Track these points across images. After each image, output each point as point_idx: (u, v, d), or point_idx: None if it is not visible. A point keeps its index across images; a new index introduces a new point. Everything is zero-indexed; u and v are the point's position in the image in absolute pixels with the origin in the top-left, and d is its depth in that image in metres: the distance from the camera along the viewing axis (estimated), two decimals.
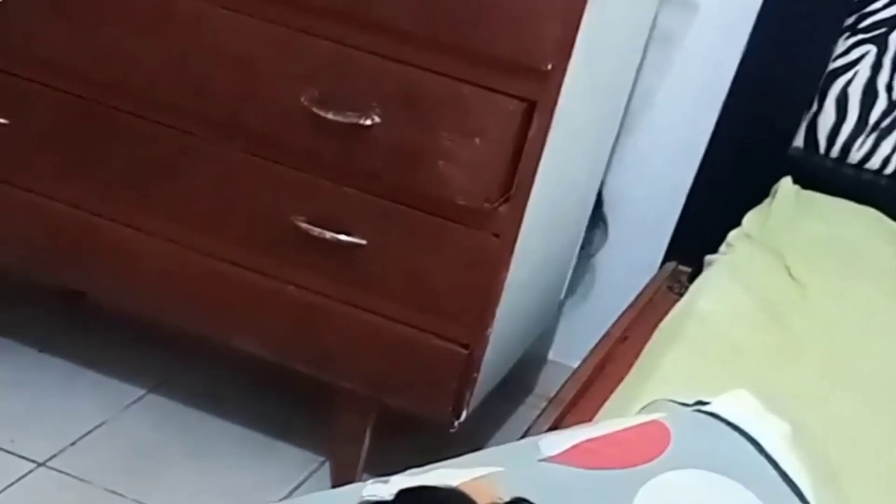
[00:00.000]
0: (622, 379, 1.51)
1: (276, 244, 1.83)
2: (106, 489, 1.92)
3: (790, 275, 1.74)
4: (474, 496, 0.88)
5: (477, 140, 1.67)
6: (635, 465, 1.02)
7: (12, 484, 1.89)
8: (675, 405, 1.14)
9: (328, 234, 1.78)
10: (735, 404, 1.12)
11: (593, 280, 2.33)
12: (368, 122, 1.70)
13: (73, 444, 2.00)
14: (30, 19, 1.84)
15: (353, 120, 1.71)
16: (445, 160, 1.69)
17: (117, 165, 1.89)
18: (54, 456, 1.96)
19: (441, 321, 1.78)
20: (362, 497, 0.98)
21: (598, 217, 2.24)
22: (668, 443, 1.04)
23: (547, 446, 1.06)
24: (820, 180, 1.99)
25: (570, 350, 2.14)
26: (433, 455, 1.09)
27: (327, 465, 2.05)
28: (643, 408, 1.20)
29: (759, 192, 1.99)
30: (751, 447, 1.06)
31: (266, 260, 1.85)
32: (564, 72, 1.66)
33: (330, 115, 1.71)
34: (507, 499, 0.74)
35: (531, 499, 0.81)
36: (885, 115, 1.99)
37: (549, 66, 1.63)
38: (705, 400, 1.14)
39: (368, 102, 1.70)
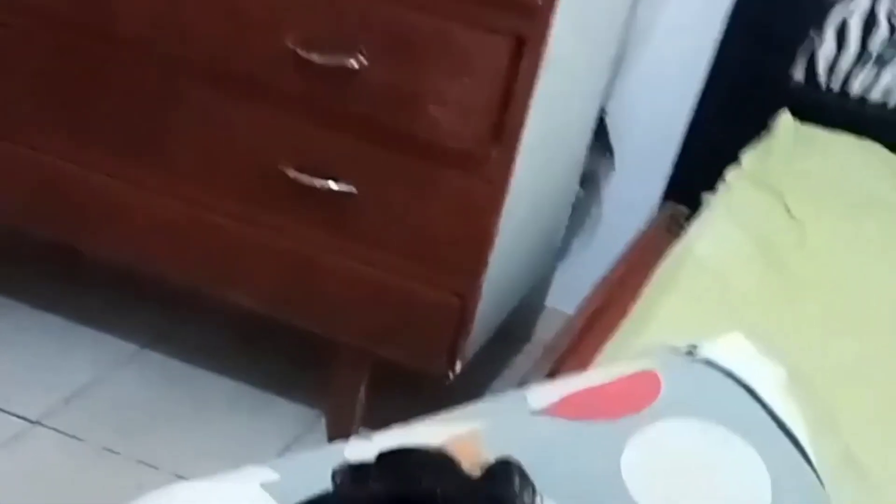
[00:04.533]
0: (619, 325, 1.48)
1: (266, 193, 1.80)
2: (100, 447, 1.90)
3: (790, 214, 1.70)
4: (458, 455, 0.85)
5: (467, 80, 1.63)
6: (624, 415, 0.99)
7: (6, 443, 1.87)
8: (667, 351, 1.11)
9: (317, 182, 1.74)
10: (729, 349, 1.09)
11: (592, 224, 2.30)
12: (355, 65, 1.66)
13: (66, 401, 1.98)
14: None
15: (340, 62, 1.67)
16: (435, 102, 1.65)
17: (103, 114, 1.85)
18: (48, 414, 1.95)
19: (434, 270, 1.75)
20: (344, 459, 0.96)
21: (604, 147, 2.20)
22: (658, 391, 1.02)
23: (534, 399, 1.03)
24: (820, 114, 1.95)
25: (568, 297, 2.11)
26: (429, 407, 1.07)
27: (324, 419, 2.03)
28: (635, 354, 1.17)
29: (759, 128, 1.94)
30: (744, 393, 1.04)
31: (256, 210, 1.82)
32: (554, 6, 1.61)
33: (315, 58, 1.67)
34: (492, 459, 0.72)
35: (517, 454, 0.78)
36: (885, 44, 1.94)
37: (539, 1, 1.59)
38: (698, 344, 1.10)
39: (355, 44, 1.66)
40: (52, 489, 1.81)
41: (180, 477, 0.92)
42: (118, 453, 1.89)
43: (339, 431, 1.91)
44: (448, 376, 1.80)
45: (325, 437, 1.98)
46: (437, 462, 0.69)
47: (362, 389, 1.91)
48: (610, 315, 1.63)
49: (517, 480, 0.69)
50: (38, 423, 1.93)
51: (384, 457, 0.70)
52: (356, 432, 1.91)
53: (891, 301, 1.51)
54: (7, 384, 1.98)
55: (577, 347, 1.59)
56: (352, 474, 0.68)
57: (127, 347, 2.13)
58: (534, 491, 0.69)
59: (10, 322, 2.14)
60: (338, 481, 0.68)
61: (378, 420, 1.12)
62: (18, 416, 1.93)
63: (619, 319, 1.51)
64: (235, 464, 0.96)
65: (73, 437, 1.91)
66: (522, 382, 1.47)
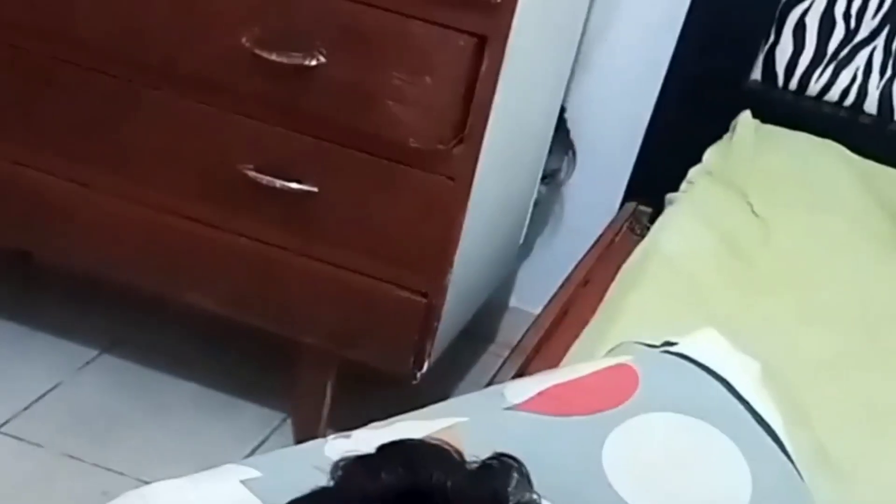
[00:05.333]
0: (585, 324, 1.48)
1: (225, 194, 1.78)
2: (63, 454, 1.87)
3: (753, 211, 1.71)
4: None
5: (427, 79, 1.62)
6: (604, 409, 0.99)
7: None
8: (642, 347, 1.11)
9: (278, 183, 1.73)
10: (703, 344, 1.10)
11: (554, 223, 2.30)
12: (314, 63, 1.65)
13: (26, 408, 1.95)
14: None
15: (298, 61, 1.65)
16: (396, 101, 1.63)
17: (55, 117, 1.82)
18: (8, 421, 1.91)
19: (398, 270, 1.74)
20: (324, 455, 0.95)
21: (564, 144, 2.20)
22: (636, 386, 1.02)
23: (513, 394, 1.03)
24: (779, 114, 1.96)
25: (531, 296, 2.11)
26: (396, 408, 1.06)
27: (289, 421, 2.02)
28: (609, 351, 1.17)
29: (719, 127, 1.95)
30: (721, 387, 1.04)
31: (215, 211, 1.80)
32: (515, 4, 1.61)
33: (273, 57, 1.65)
34: (474, 454, 0.71)
35: (499, 449, 0.78)
36: (843, 44, 1.96)
37: None
38: (673, 340, 1.11)
39: (313, 42, 1.64)
40: (15, 497, 1.78)
41: (144, 482, 0.90)
42: (81, 459, 1.86)
43: (305, 433, 1.90)
44: (415, 376, 1.79)
45: (291, 440, 1.96)
46: (442, 454, 0.68)
47: (328, 391, 1.90)
48: (576, 314, 1.63)
49: (515, 475, 0.68)
50: None
51: (387, 449, 0.69)
52: (323, 434, 1.90)
53: (857, 297, 1.52)
54: None
55: (544, 347, 1.59)
56: (359, 467, 0.66)
57: (86, 352, 2.10)
58: (530, 485, 0.69)
59: None
60: (341, 474, 0.67)
61: (345, 422, 1.11)
62: None
63: (585, 318, 1.51)
64: (201, 468, 0.93)
65: (35, 444, 1.88)
66: (491, 382, 1.46)
